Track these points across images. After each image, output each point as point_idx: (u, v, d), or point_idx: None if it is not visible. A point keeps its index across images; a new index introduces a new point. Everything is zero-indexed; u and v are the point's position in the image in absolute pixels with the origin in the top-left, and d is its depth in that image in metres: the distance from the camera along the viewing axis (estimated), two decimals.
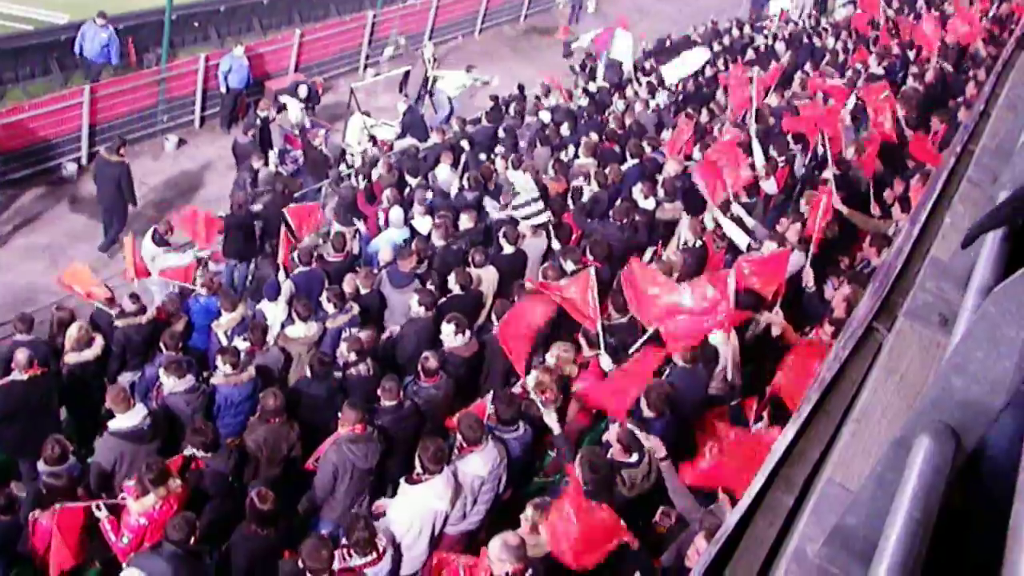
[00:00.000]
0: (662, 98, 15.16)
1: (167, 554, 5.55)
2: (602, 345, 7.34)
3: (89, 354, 8.03)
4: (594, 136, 12.56)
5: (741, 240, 8.96)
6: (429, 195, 11.08)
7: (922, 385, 2.11)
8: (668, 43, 18.45)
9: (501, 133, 13.42)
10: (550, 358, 7.29)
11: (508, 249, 9.60)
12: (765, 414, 6.39)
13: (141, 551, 5.95)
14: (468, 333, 7.95)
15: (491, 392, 6.96)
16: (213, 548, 6.25)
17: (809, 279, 8.23)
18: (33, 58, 15.91)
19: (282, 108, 14.62)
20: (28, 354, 7.48)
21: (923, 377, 2.16)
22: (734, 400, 6.91)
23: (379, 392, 7.01)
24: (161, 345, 8.09)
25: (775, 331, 7.73)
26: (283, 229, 10.10)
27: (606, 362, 7.25)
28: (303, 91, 15.02)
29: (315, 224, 10.98)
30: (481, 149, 13.04)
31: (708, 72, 16.21)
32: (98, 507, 6.22)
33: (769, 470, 2.05)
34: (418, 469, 5.99)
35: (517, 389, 7.26)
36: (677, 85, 15.67)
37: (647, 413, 6.44)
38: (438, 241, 9.78)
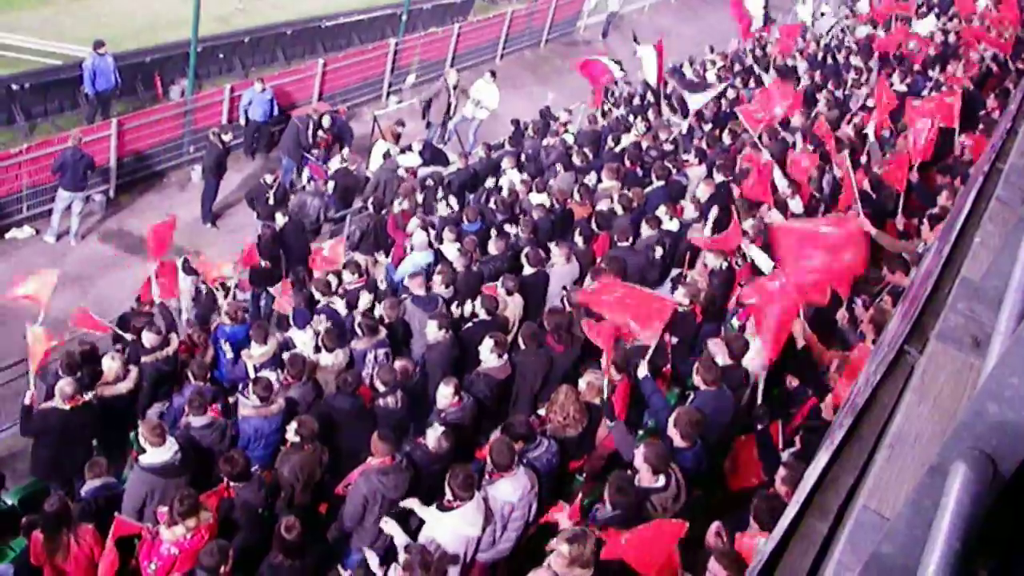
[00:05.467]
0: (683, 122, 15.16)
1: None
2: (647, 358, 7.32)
3: (123, 387, 8.12)
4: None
5: (766, 265, 8.83)
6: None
7: (956, 408, 2.09)
8: (687, 68, 18.43)
9: (523, 158, 13.46)
10: (582, 382, 7.27)
11: (528, 270, 9.61)
12: (797, 439, 6.30)
13: None
14: (504, 357, 7.94)
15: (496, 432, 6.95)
16: None
17: (843, 320, 8.12)
18: (61, 92, 16.12)
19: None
20: (74, 386, 7.60)
21: (957, 400, 2.13)
22: (761, 425, 6.84)
23: (434, 438, 6.87)
24: (189, 375, 8.16)
25: (799, 342, 7.64)
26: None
27: (642, 369, 7.21)
28: (327, 121, 15.16)
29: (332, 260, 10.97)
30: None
31: (731, 94, 16.19)
32: (150, 532, 6.28)
33: (803, 497, 2.03)
34: (448, 496, 5.99)
35: (541, 411, 7.27)
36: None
37: (678, 443, 6.38)
38: (459, 266, 9.80)
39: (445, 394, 7.36)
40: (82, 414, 7.71)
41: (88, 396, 7.75)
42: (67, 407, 7.57)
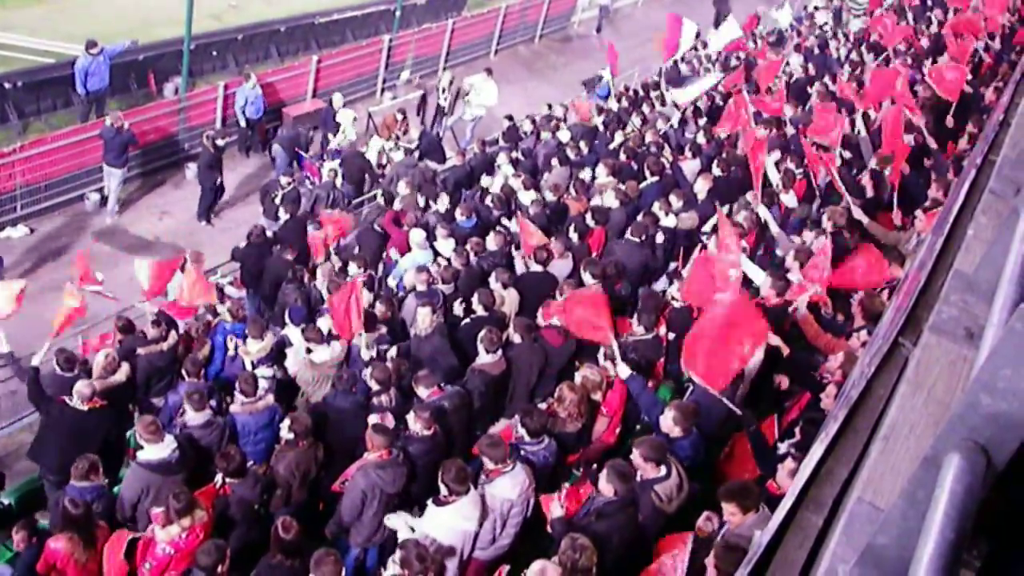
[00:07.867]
0: (676, 117, 15.15)
1: None
2: (617, 356, 7.30)
3: (113, 380, 8.10)
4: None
5: (757, 276, 8.59)
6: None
7: (950, 400, 2.10)
8: (682, 65, 18.39)
9: (516, 154, 13.43)
10: (577, 376, 7.27)
11: (535, 268, 9.58)
12: (797, 430, 6.29)
13: None
14: (499, 352, 7.93)
15: (515, 416, 6.94)
16: None
17: (827, 307, 8.10)
18: (54, 91, 16.06)
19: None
20: (92, 388, 7.57)
21: (951, 392, 2.14)
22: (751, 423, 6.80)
23: (414, 420, 6.88)
24: (183, 372, 8.15)
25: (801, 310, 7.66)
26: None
27: (623, 370, 7.20)
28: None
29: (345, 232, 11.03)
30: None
31: (722, 90, 16.17)
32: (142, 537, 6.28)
33: (798, 490, 2.04)
34: (443, 491, 5.99)
35: (542, 406, 7.26)
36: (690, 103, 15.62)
37: (675, 432, 6.40)
38: (457, 264, 9.77)
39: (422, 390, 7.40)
40: (98, 417, 7.64)
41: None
42: (85, 408, 7.51)
